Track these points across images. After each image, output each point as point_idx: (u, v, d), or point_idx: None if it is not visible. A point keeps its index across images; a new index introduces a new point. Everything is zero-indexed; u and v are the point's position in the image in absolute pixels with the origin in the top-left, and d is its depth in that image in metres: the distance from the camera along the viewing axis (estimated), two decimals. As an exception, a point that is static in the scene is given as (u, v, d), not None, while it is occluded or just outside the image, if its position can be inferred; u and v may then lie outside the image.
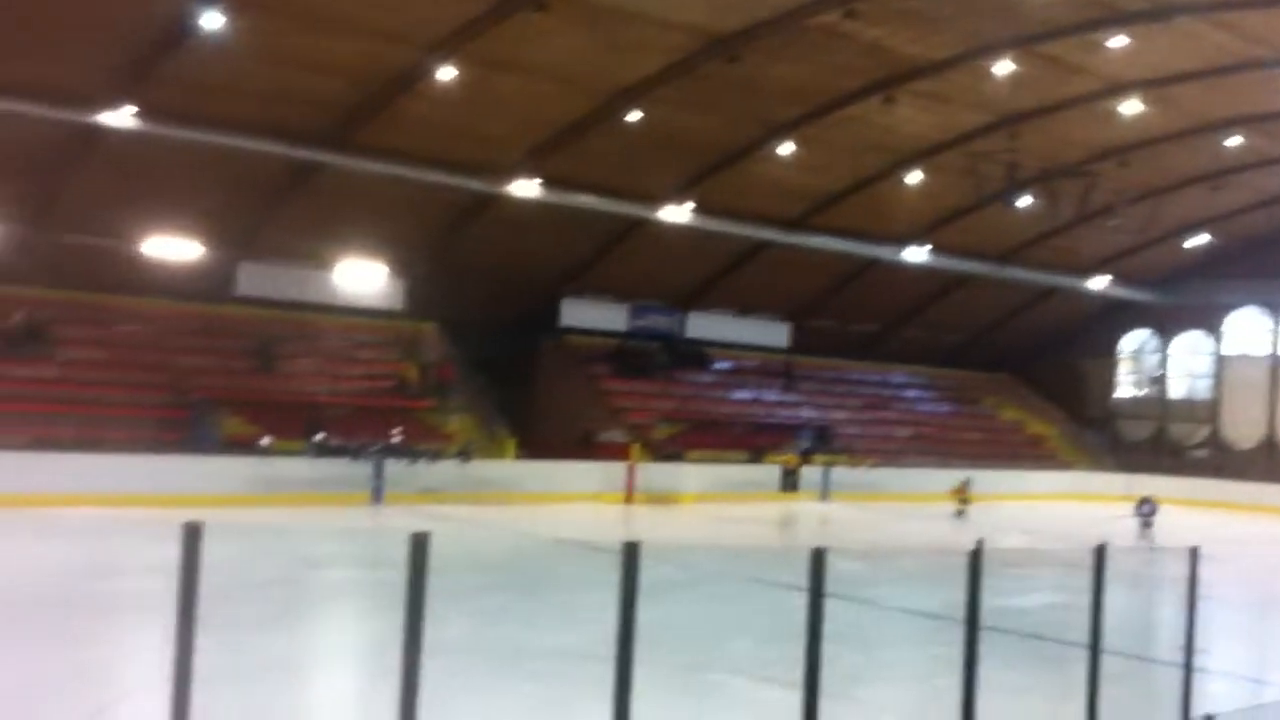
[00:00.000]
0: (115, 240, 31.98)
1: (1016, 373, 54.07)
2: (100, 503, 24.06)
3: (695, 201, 36.90)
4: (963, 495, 35.95)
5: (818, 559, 5.83)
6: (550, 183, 33.94)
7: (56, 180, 30.23)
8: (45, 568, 17.10)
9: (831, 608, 6.13)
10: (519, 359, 40.84)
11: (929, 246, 42.65)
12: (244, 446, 29.75)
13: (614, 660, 5.24)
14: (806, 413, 45.18)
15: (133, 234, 32.21)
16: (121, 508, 23.42)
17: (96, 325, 32.54)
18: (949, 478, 37.36)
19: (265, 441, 29.75)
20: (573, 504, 32.49)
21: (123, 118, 27.56)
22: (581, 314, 41.51)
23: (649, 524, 29.44)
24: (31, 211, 30.79)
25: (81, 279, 32.08)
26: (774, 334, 46.37)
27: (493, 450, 35.11)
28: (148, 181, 30.94)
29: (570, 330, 41.42)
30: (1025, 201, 38.90)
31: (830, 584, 6.05)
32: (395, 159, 31.74)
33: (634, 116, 32.15)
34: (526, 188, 33.93)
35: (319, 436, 30.53)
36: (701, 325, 44.53)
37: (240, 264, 34.56)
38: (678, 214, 36.99)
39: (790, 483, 39.11)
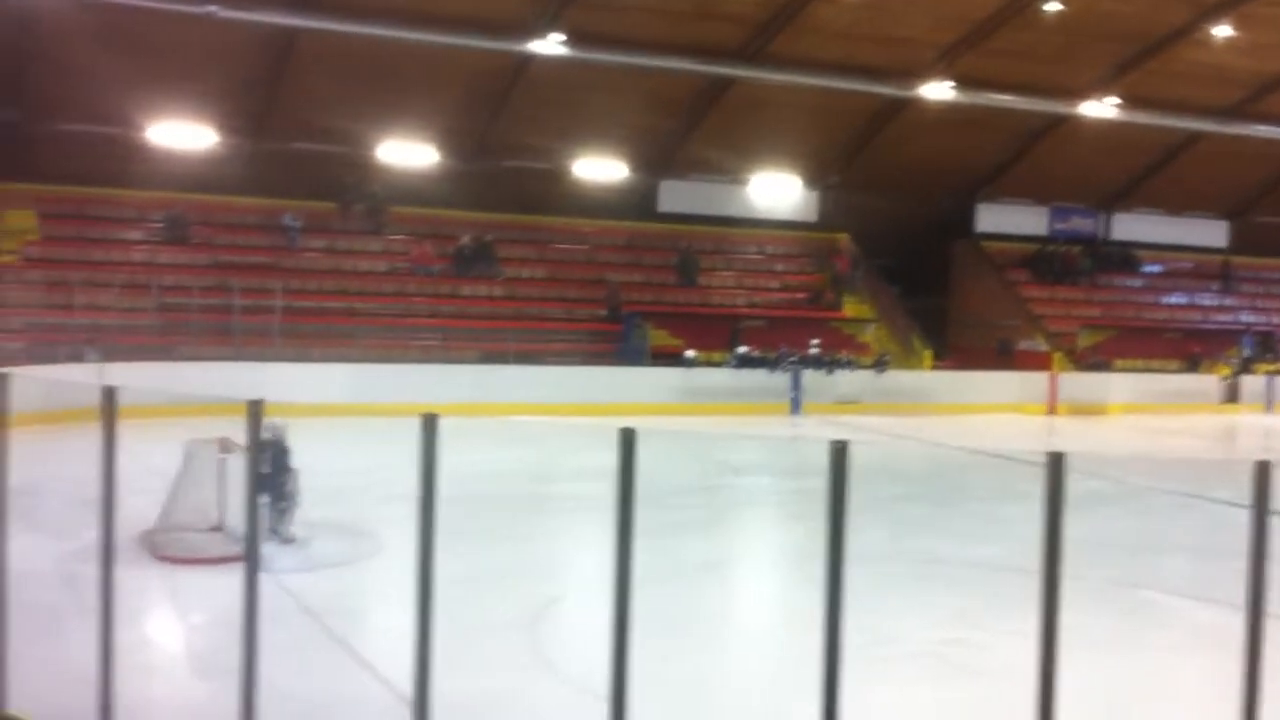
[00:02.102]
0: (549, 163, 33.85)
1: None
2: (541, 411, 25.72)
3: (1119, 94, 34.74)
4: None
5: (1262, 472, 5.52)
6: (963, 83, 32.92)
7: (493, 109, 32.29)
8: (495, 471, 18.52)
9: (1278, 526, 5.82)
10: (933, 267, 40.19)
11: (1393, 130, 38.31)
12: (669, 358, 30.98)
13: (1037, 573, 5.22)
14: (1247, 317, 42.01)
15: (563, 157, 33.97)
16: (560, 416, 24.96)
17: (535, 245, 34.69)
18: None
19: (689, 353, 30.83)
20: (991, 415, 31.82)
21: (551, 45, 29.00)
22: (997, 218, 40.24)
23: (1073, 435, 28.44)
24: (473, 142, 33.11)
25: (520, 202, 34.21)
26: (1210, 233, 43.24)
27: (908, 360, 34.86)
28: (573, 106, 32.49)
29: (986, 236, 40.27)
30: None
31: (1276, 500, 5.73)
32: (805, 69, 31.75)
33: (1051, 6, 30.59)
34: (938, 90, 33.06)
35: (741, 349, 31.32)
36: (1128, 226, 42.13)
37: (661, 181, 35.80)
38: (1100, 109, 34.98)
39: (1230, 393, 36.61)
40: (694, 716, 8.39)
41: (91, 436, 6.49)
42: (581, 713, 7.76)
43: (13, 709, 6.91)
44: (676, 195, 36.16)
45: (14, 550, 7.15)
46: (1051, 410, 33.54)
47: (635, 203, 35.67)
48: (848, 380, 31.51)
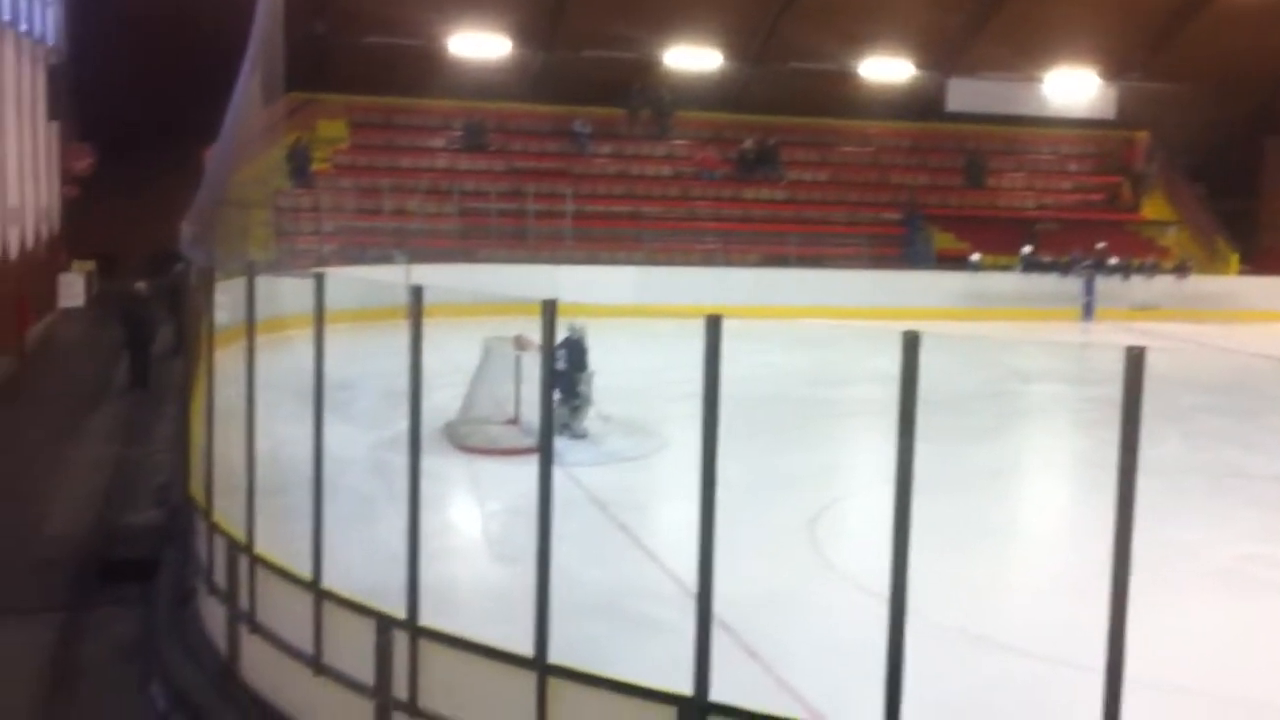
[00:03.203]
0: (834, 64, 33.27)
1: None
2: (823, 315, 25.62)
3: None
4: None
5: None
6: (1284, -33, 30.43)
7: (778, 10, 31.95)
8: (777, 375, 18.67)
9: None
10: (1242, 167, 37.57)
11: None
12: (955, 261, 30.30)
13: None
14: None
15: (848, 57, 33.31)
16: (842, 319, 24.82)
17: (818, 147, 34.35)
18: None
19: (975, 257, 30.07)
20: (1305, 323, 29.81)
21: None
22: (1318, 114, 37.24)
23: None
24: (758, 44, 32.90)
25: (804, 104, 33.81)
26: None
27: (1212, 265, 32.96)
28: (860, 3, 31.76)
29: (1305, 132, 37.40)
30: None
31: None
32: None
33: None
34: (1256, -25, 30.69)
35: (1026, 249, 30.32)
36: None
37: (949, 80, 34.70)
38: None
39: None
40: (975, 622, 8.38)
41: (399, 334, 6.91)
42: (860, 612, 7.86)
43: (327, 584, 7.50)
44: (965, 94, 34.94)
45: (332, 439, 7.72)
46: (1373, 318, 31.18)
47: (922, 103, 34.71)
48: (1145, 285, 30.09)
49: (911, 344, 5.12)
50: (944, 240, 31.52)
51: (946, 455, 12.32)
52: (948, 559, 8.92)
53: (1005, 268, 30.25)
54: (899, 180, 33.38)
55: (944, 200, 33.26)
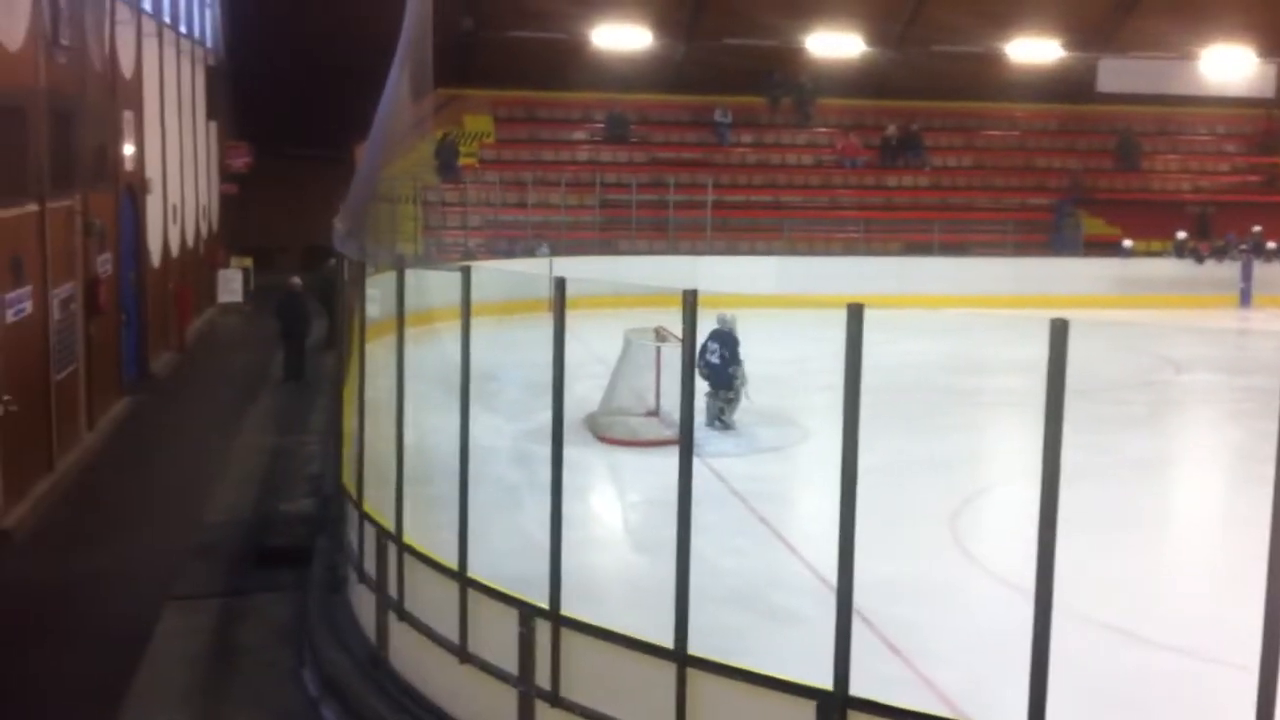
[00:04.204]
0: (979, 47, 32.58)
1: None
2: (967, 303, 25.19)
3: None
4: None
5: None
6: None
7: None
8: (919, 363, 18.37)
9: None
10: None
11: None
12: (1105, 247, 29.51)
13: None
14: None
15: (993, 39, 32.58)
16: (986, 308, 24.37)
17: (963, 132, 33.74)
18: None
19: (1126, 244, 29.28)
20: None
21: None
22: None
23: None
24: (901, 27, 32.43)
25: (948, 88, 33.19)
26: None
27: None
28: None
29: None
30: None
31: None
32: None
33: None
34: None
35: (1180, 235, 29.40)
36: None
37: (1100, 60, 33.78)
38: None
39: None
40: (1121, 615, 8.20)
41: (543, 325, 7.01)
42: (1003, 606, 7.76)
43: (473, 573, 7.66)
44: (1116, 74, 33.93)
45: (477, 430, 7.86)
46: None
47: (1071, 84, 33.81)
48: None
49: (1059, 331, 5.04)
50: (1094, 225, 30.69)
51: (1094, 445, 12.06)
52: (1093, 551, 8.74)
53: (1158, 253, 29.38)
54: (1046, 164, 32.63)
55: (1094, 184, 32.40)
